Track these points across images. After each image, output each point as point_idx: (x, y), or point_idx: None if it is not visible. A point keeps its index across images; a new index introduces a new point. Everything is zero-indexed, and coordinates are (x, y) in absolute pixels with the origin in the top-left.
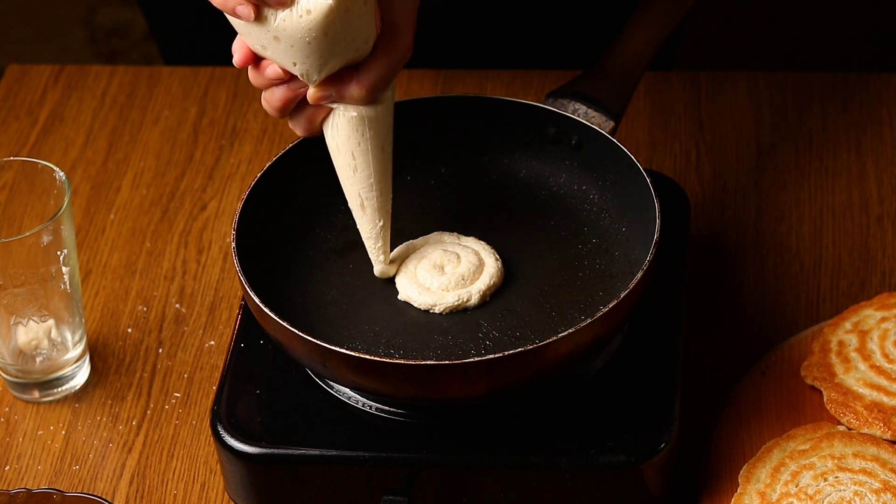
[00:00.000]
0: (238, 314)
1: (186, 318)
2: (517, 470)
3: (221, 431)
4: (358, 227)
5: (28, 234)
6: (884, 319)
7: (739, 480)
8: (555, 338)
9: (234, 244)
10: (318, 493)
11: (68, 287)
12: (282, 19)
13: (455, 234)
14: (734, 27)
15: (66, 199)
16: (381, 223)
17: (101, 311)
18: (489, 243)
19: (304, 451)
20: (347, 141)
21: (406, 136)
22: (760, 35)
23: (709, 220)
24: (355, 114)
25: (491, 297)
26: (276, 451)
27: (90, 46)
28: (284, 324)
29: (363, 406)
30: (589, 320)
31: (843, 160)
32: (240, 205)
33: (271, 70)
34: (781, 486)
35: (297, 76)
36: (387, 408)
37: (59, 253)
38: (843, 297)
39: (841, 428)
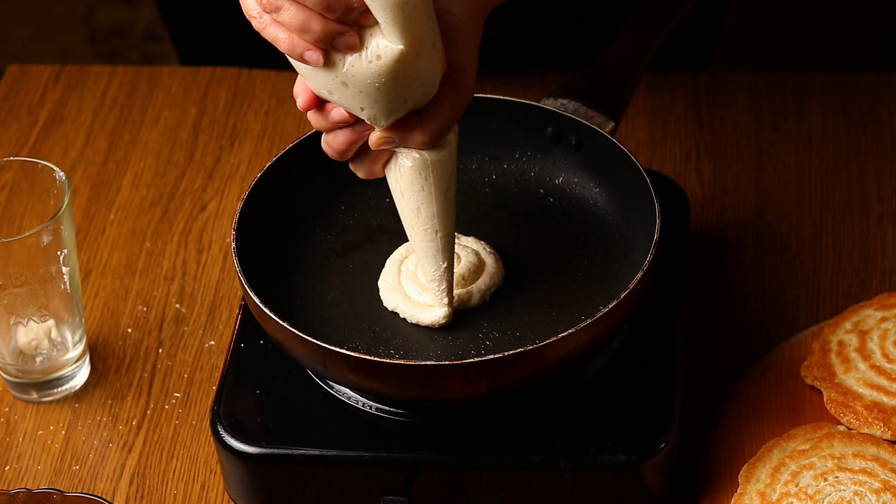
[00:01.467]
0: (238, 314)
1: (186, 318)
2: (517, 470)
3: (221, 431)
4: (420, 268)
5: (28, 234)
6: (884, 319)
7: (739, 480)
8: (555, 338)
9: (234, 244)
10: (318, 493)
11: (68, 287)
12: (350, 64)
13: (455, 234)
14: (734, 27)
15: (66, 199)
16: (444, 265)
17: (101, 311)
18: (489, 243)
19: (304, 451)
20: (411, 186)
21: None
22: (760, 35)
23: (709, 220)
24: (418, 156)
25: (491, 296)
26: (276, 451)
27: (90, 46)
28: (284, 324)
29: (363, 406)
30: (589, 321)
31: (843, 160)
32: (240, 205)
33: (336, 113)
34: (781, 486)
35: (362, 119)
36: (387, 408)
37: (59, 253)
38: (843, 297)
39: (841, 428)
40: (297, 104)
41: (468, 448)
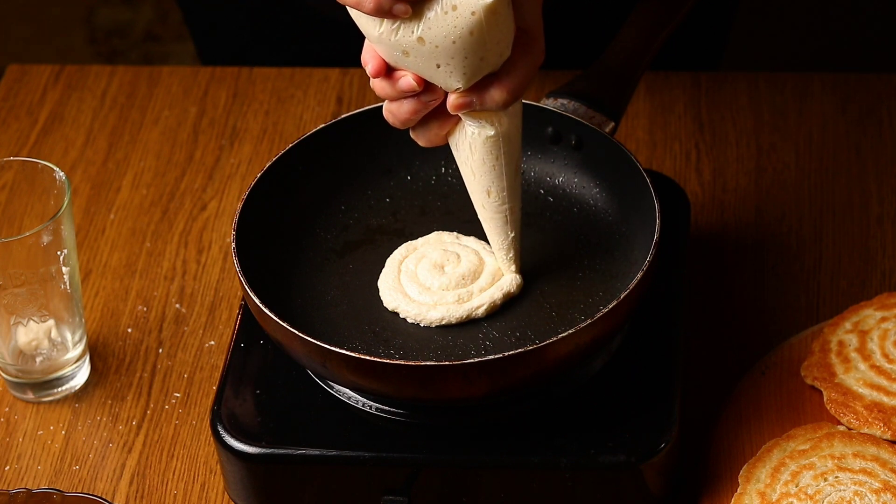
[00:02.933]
0: (238, 314)
1: (186, 318)
2: (517, 470)
3: (221, 431)
4: (488, 237)
5: (28, 234)
6: (884, 319)
7: (739, 480)
8: (555, 339)
9: (234, 244)
10: (318, 493)
11: (68, 287)
12: (427, 18)
13: (455, 233)
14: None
15: (66, 199)
16: (512, 234)
17: (101, 311)
18: (489, 243)
19: (304, 451)
20: (482, 163)
21: (406, 135)
22: (761, 35)
23: (709, 220)
24: (492, 133)
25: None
26: (276, 451)
27: (90, 46)
28: (284, 324)
29: (363, 406)
30: (589, 321)
31: (843, 160)
32: (240, 205)
33: (405, 82)
34: (781, 486)
35: (431, 87)
36: (387, 408)
37: (59, 253)
38: (843, 297)
39: (841, 428)
40: (367, 71)
41: (468, 448)
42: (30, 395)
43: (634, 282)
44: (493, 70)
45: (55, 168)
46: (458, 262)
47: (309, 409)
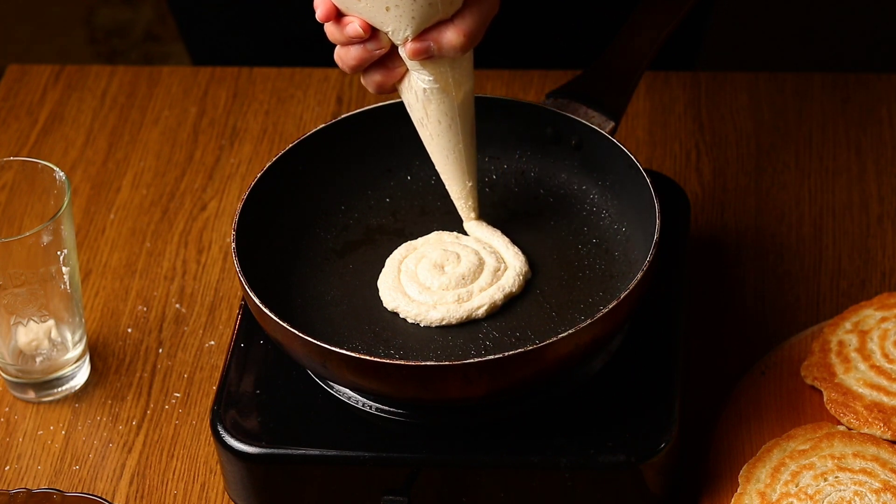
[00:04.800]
0: (238, 314)
1: (186, 318)
2: (517, 470)
3: (221, 431)
4: (447, 188)
5: (28, 234)
6: (884, 319)
7: (739, 480)
8: (555, 339)
9: (234, 244)
10: (318, 493)
11: (68, 287)
12: None
13: (455, 233)
14: (734, 27)
15: (66, 199)
16: (470, 184)
17: (101, 311)
18: (489, 244)
19: (304, 451)
20: (437, 111)
21: (406, 135)
22: (761, 35)
23: (709, 220)
24: (437, 85)
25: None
26: (276, 451)
27: (90, 46)
28: (284, 324)
29: (363, 406)
30: (589, 321)
31: (843, 160)
32: (240, 205)
33: (352, 28)
34: (781, 486)
35: (378, 35)
36: (387, 408)
37: (59, 253)
38: (843, 297)
39: (841, 428)
40: (316, 15)
41: (468, 448)
42: (30, 395)
43: (634, 282)
44: (443, 17)
45: (55, 168)
46: (458, 262)
47: (309, 409)
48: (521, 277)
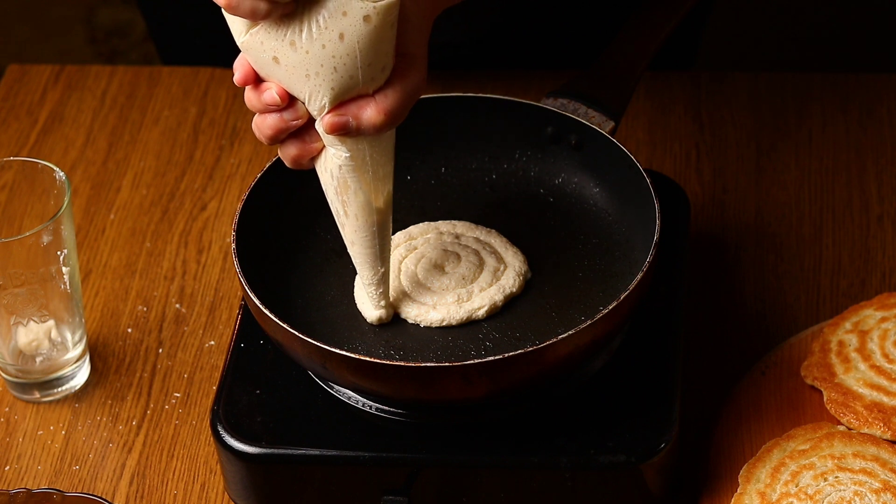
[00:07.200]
0: (238, 314)
1: (186, 318)
2: (517, 470)
3: (221, 431)
4: (358, 270)
5: (28, 234)
6: (884, 319)
7: (739, 480)
8: (555, 339)
9: (234, 244)
10: (318, 493)
11: (68, 287)
12: (314, 20)
13: (455, 233)
14: (734, 27)
15: (66, 199)
16: (382, 270)
17: (101, 311)
18: (488, 244)
19: (304, 451)
20: (347, 189)
21: (406, 135)
22: (760, 35)
23: (709, 220)
24: (353, 164)
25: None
26: (276, 451)
27: (90, 46)
28: (285, 325)
29: (363, 406)
30: (589, 322)
31: (843, 160)
32: (240, 205)
33: (269, 95)
34: (781, 486)
35: (295, 105)
36: (387, 408)
37: (59, 253)
38: (843, 297)
39: (841, 428)
40: (234, 79)
41: (468, 448)
42: (30, 395)
43: (634, 282)
44: (363, 92)
45: (55, 168)
46: (458, 262)
47: (309, 409)
48: (521, 277)
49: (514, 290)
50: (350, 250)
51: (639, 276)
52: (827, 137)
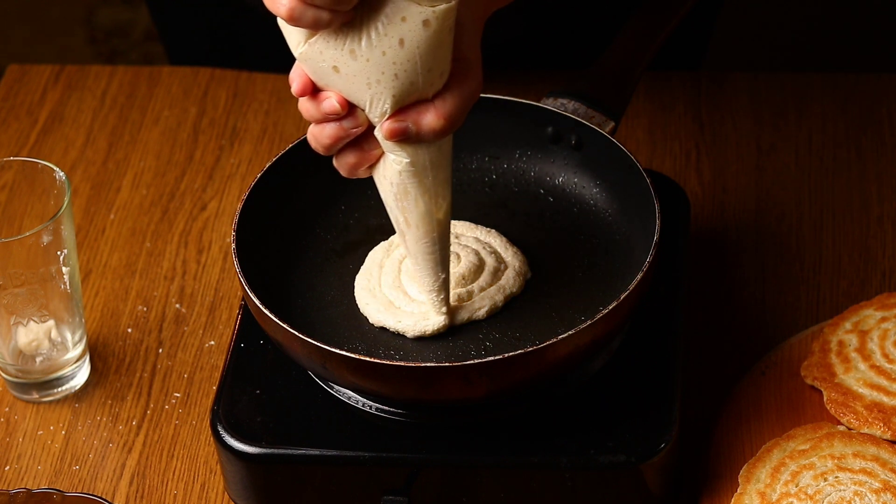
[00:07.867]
0: (238, 314)
1: (186, 318)
2: (517, 470)
3: (221, 431)
4: (417, 280)
5: (28, 234)
6: (884, 319)
7: (739, 480)
8: (555, 340)
9: (234, 244)
10: (318, 493)
11: (68, 287)
12: (374, 28)
13: (454, 233)
14: (734, 27)
15: (66, 199)
16: (443, 276)
17: (101, 311)
18: (488, 244)
19: (304, 451)
20: (406, 195)
21: None
22: (760, 35)
23: (709, 220)
24: (413, 169)
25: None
26: (276, 451)
27: (90, 46)
28: (285, 325)
29: (363, 406)
30: (589, 322)
31: (843, 160)
32: (240, 205)
33: (328, 104)
34: (781, 486)
35: (355, 113)
36: (387, 408)
37: (59, 253)
38: (843, 297)
39: (841, 428)
40: (292, 90)
41: (468, 448)
42: (30, 395)
43: (634, 282)
44: (422, 97)
45: (55, 168)
46: (457, 262)
47: (309, 409)
48: (521, 278)
49: (514, 290)
50: (410, 258)
51: (639, 276)
52: (827, 137)
